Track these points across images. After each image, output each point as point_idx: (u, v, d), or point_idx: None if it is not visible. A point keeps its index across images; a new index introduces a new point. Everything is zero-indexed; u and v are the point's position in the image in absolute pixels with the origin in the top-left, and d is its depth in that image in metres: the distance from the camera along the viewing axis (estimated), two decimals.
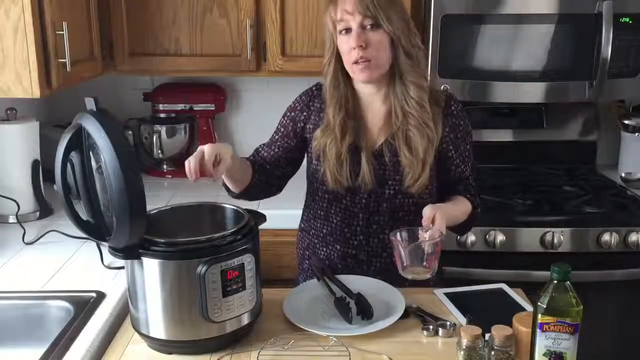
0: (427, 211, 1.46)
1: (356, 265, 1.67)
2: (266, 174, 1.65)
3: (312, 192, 1.71)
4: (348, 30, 1.52)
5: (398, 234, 1.46)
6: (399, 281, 1.53)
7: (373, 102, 1.63)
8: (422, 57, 1.58)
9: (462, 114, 1.66)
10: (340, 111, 1.58)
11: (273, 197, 1.73)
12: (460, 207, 1.62)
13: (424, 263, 1.42)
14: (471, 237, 2.11)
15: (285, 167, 1.70)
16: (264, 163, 1.68)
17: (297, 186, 1.77)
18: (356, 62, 1.52)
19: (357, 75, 1.56)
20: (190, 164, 1.35)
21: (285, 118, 1.72)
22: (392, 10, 1.52)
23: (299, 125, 1.69)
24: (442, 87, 1.67)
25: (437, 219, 1.44)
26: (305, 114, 1.68)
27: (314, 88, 1.71)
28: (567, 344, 1.11)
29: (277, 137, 1.71)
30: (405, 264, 1.43)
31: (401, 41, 1.53)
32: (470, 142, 1.69)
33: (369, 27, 1.51)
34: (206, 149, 1.37)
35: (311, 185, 1.72)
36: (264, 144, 1.73)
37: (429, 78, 1.63)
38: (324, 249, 1.71)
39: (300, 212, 1.84)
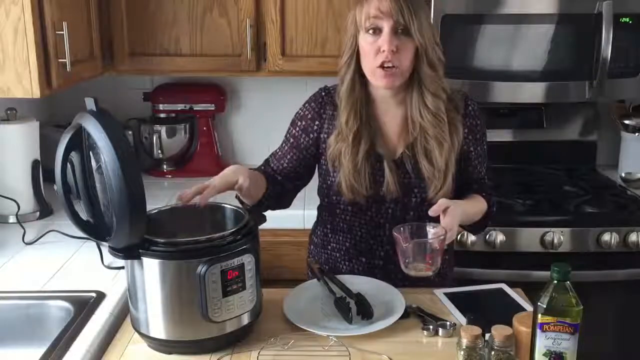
0: (442, 201, 1.42)
1: (384, 276, 1.60)
2: (279, 186, 1.60)
3: (330, 206, 1.64)
4: (376, 30, 1.44)
5: (401, 229, 1.43)
6: (436, 282, 1.55)
7: (389, 106, 1.56)
8: (443, 68, 1.51)
9: (479, 114, 1.62)
10: (356, 117, 1.51)
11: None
12: (476, 206, 1.59)
13: (427, 260, 1.39)
14: (471, 237, 2.11)
15: (297, 180, 1.65)
16: (275, 175, 1.62)
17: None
18: (381, 66, 1.45)
19: (379, 80, 1.48)
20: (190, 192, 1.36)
21: (296, 128, 1.62)
22: (423, 20, 1.45)
23: (311, 136, 1.60)
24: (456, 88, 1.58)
25: (448, 213, 1.41)
26: (317, 123, 1.59)
27: (322, 94, 1.61)
28: (567, 344, 1.11)
29: (286, 147, 1.63)
30: (407, 261, 1.41)
31: (427, 52, 1.46)
32: (485, 142, 1.65)
33: (400, 31, 1.43)
34: (217, 183, 1.38)
35: (327, 199, 1.64)
36: (273, 155, 1.66)
37: (447, 89, 1.54)
38: (347, 263, 1.66)
39: (301, 212, 1.82)
